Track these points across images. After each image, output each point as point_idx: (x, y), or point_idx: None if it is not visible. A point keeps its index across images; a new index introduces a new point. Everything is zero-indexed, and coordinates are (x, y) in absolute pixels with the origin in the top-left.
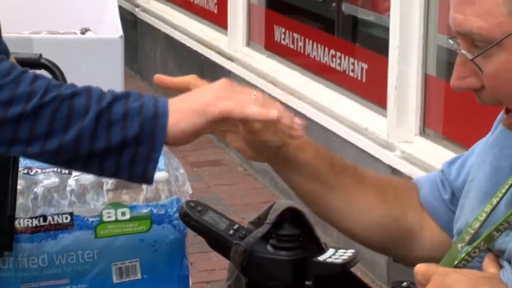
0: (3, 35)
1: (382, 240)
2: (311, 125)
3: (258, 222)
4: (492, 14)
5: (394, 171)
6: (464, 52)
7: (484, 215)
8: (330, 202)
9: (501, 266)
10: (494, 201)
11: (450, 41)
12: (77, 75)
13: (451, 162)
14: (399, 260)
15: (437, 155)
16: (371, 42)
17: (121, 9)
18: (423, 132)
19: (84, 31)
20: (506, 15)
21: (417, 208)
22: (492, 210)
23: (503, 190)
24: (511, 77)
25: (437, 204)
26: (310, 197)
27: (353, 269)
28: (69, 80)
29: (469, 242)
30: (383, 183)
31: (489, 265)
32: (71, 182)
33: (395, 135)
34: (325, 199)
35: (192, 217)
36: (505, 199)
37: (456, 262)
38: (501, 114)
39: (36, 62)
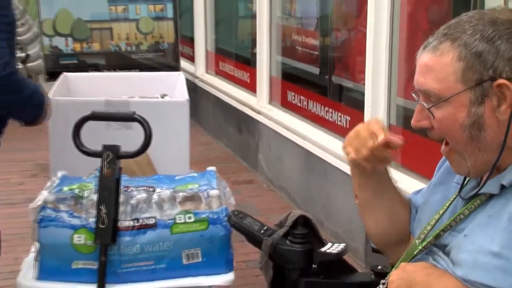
0: (111, 99)
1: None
2: (312, 158)
3: (280, 224)
4: (444, 80)
5: None
6: (422, 103)
7: (434, 221)
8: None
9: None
10: (441, 211)
11: (413, 94)
12: (158, 125)
13: (415, 192)
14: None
15: (400, 180)
16: (352, 102)
17: (187, 80)
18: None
19: (163, 96)
20: (454, 82)
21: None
22: (440, 217)
23: (447, 204)
24: (452, 122)
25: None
26: (375, 191)
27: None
28: (153, 128)
29: (423, 240)
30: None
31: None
32: (155, 196)
33: None
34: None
35: (236, 221)
36: (448, 211)
37: (415, 252)
38: (441, 161)
39: (131, 117)
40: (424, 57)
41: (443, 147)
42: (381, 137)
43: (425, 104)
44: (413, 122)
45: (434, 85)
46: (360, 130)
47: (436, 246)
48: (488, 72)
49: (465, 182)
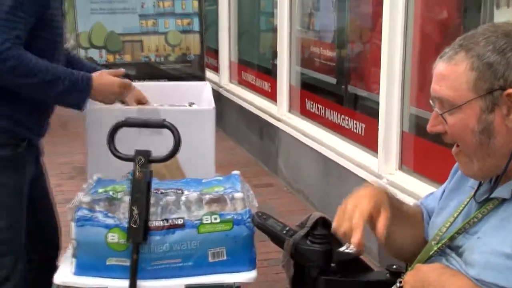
0: (143, 107)
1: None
2: (329, 163)
3: (301, 225)
4: (457, 88)
5: None
6: (436, 109)
7: (448, 223)
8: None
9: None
10: (455, 214)
11: (430, 101)
12: (186, 132)
13: (427, 196)
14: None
15: (410, 183)
16: (367, 110)
17: (213, 90)
18: (401, 168)
19: (191, 104)
20: (466, 90)
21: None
22: (454, 221)
23: (460, 208)
24: (463, 128)
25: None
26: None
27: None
28: (181, 134)
29: (438, 241)
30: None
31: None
32: (183, 198)
33: (383, 169)
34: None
35: (260, 222)
36: (462, 213)
37: (431, 253)
38: (455, 167)
39: (161, 124)
40: (440, 66)
41: (454, 148)
42: (355, 237)
43: (438, 111)
44: (428, 127)
45: (448, 92)
46: (344, 215)
47: (450, 247)
48: (498, 82)
49: (479, 186)
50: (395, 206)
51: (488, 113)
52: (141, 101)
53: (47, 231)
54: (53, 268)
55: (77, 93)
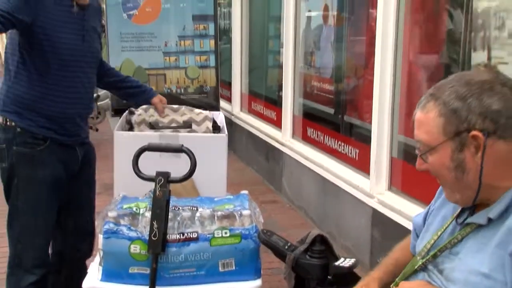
0: (163, 133)
1: None
2: (327, 183)
3: (301, 241)
4: (431, 132)
5: (374, 210)
6: (417, 151)
7: (433, 241)
8: None
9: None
10: (439, 232)
11: (416, 144)
12: (201, 156)
13: (417, 216)
14: None
15: (398, 202)
16: (361, 137)
17: (226, 117)
18: (390, 188)
19: (206, 130)
20: (438, 134)
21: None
22: (438, 238)
23: (445, 226)
24: (440, 166)
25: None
26: None
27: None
28: (197, 157)
29: (423, 257)
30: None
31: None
32: (197, 214)
33: (374, 190)
34: None
35: (265, 239)
36: (446, 232)
37: (416, 267)
38: (441, 188)
39: (179, 149)
40: (417, 114)
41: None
42: None
43: (419, 152)
44: (416, 166)
45: (424, 136)
46: None
47: (432, 264)
48: (463, 125)
49: (462, 209)
50: (388, 280)
51: (458, 152)
52: (162, 100)
53: (81, 229)
54: (82, 265)
55: None
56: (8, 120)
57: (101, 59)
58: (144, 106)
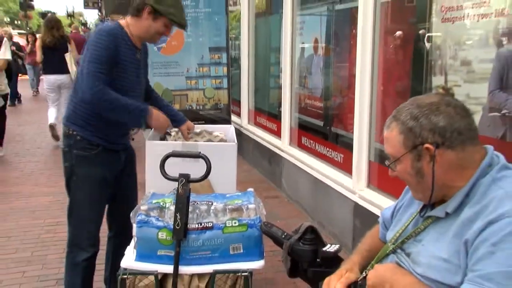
0: (185, 142)
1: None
2: (318, 182)
3: (296, 231)
4: (395, 146)
5: (355, 203)
6: (386, 161)
7: (401, 230)
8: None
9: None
10: (406, 224)
11: (386, 161)
12: (216, 160)
13: (385, 210)
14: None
15: (375, 197)
16: (345, 144)
17: (235, 129)
18: (368, 186)
19: (221, 140)
20: (399, 147)
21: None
22: (405, 228)
23: (410, 219)
24: (404, 173)
25: (384, 235)
26: None
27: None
28: (212, 162)
29: (393, 243)
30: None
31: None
32: (212, 207)
33: (355, 187)
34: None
35: (266, 230)
36: (411, 224)
37: (387, 252)
38: (407, 187)
39: (198, 155)
40: (385, 133)
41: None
42: None
43: (388, 162)
44: (389, 173)
45: (390, 150)
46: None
47: (401, 249)
48: (418, 139)
49: (423, 205)
50: (364, 265)
51: (417, 161)
52: (189, 127)
53: (128, 214)
54: (125, 242)
55: (137, 118)
56: (70, 129)
57: (148, 86)
58: (176, 129)
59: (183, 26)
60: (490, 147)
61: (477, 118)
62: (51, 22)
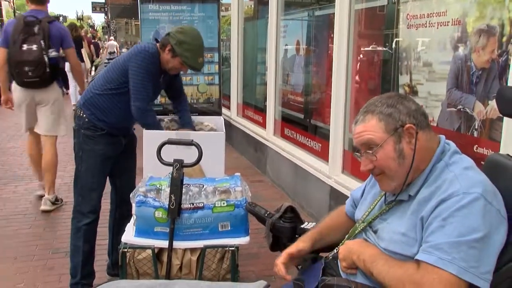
0: (179, 131)
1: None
2: (299, 168)
3: (277, 211)
4: (376, 133)
5: (331, 187)
6: (367, 151)
7: (369, 210)
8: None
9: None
10: (372, 205)
11: (356, 155)
12: (207, 147)
13: (355, 191)
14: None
15: (349, 181)
16: (322, 135)
17: (225, 120)
18: (343, 172)
19: (211, 129)
20: (381, 133)
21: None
22: (372, 209)
23: (376, 201)
24: (387, 158)
25: (352, 212)
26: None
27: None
28: (203, 149)
29: (362, 222)
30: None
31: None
32: (203, 189)
33: (331, 173)
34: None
35: (250, 209)
36: (377, 205)
37: (356, 231)
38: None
39: (190, 143)
40: (357, 128)
41: (375, 176)
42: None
43: (369, 151)
44: (361, 168)
45: (371, 137)
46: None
47: (369, 227)
48: (398, 123)
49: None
50: (317, 238)
51: (398, 143)
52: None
53: (125, 190)
54: (126, 214)
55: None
56: (82, 112)
57: (181, 91)
58: (169, 117)
59: (194, 69)
60: (442, 136)
61: (436, 113)
62: (71, 26)
